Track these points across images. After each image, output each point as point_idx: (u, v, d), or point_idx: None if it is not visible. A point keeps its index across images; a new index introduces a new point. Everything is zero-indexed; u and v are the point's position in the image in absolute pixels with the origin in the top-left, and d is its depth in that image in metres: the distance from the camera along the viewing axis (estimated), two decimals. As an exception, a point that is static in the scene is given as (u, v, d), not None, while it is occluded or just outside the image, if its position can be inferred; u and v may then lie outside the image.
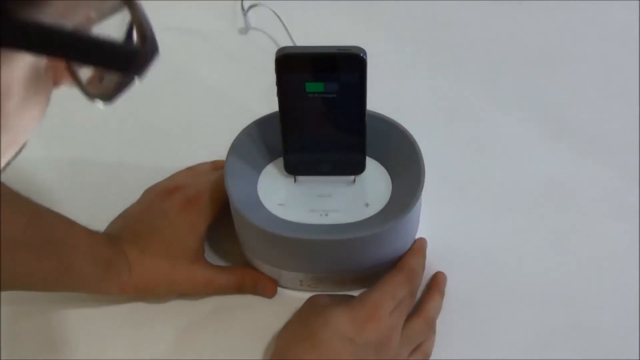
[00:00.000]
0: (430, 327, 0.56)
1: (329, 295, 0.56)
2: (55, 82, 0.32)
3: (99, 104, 0.32)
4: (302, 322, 0.52)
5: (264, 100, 0.57)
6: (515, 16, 0.80)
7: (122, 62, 0.29)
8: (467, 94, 0.74)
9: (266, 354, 0.57)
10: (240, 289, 0.60)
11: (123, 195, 0.65)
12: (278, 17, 0.76)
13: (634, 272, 0.61)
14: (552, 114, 0.72)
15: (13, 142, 0.31)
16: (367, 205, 0.54)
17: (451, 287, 0.60)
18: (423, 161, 0.54)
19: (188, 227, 0.58)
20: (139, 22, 0.30)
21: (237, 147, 0.56)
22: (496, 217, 0.65)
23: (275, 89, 0.51)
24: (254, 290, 0.60)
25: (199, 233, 0.58)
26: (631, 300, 0.60)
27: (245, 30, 0.79)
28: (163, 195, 0.59)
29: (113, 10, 0.30)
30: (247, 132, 0.57)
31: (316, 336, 0.50)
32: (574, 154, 0.69)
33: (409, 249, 0.58)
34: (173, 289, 0.59)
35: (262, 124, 0.57)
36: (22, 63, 0.28)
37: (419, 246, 0.58)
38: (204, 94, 0.75)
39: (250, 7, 0.77)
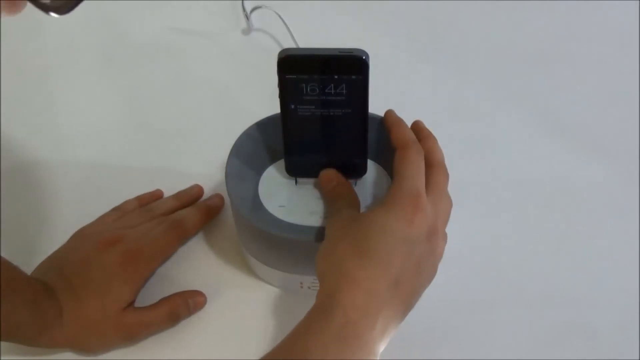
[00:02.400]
0: (444, 169, 0.51)
1: (349, 207, 0.51)
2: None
3: (54, 14, 0.32)
4: (345, 237, 0.46)
5: (266, 101, 0.56)
6: (516, 16, 0.80)
7: None
8: (468, 94, 0.74)
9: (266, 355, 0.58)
10: (175, 316, 0.59)
11: (124, 196, 0.66)
12: (281, 18, 0.76)
13: (634, 272, 0.61)
14: (553, 114, 0.72)
15: None
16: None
17: (451, 287, 0.60)
18: None
19: (126, 281, 0.57)
20: None
21: (239, 148, 0.56)
22: (496, 217, 0.65)
23: (277, 90, 0.51)
24: (188, 309, 0.59)
25: (136, 287, 0.57)
26: (631, 300, 0.60)
27: (247, 31, 0.79)
28: (101, 248, 0.57)
29: None
30: (248, 134, 0.57)
31: (367, 246, 0.45)
32: (574, 153, 0.69)
33: (393, 125, 0.52)
34: (104, 340, 0.57)
35: (263, 125, 0.57)
36: None
37: (396, 118, 0.53)
38: (205, 95, 0.75)
39: (254, 9, 0.77)
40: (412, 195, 0.46)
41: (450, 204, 0.51)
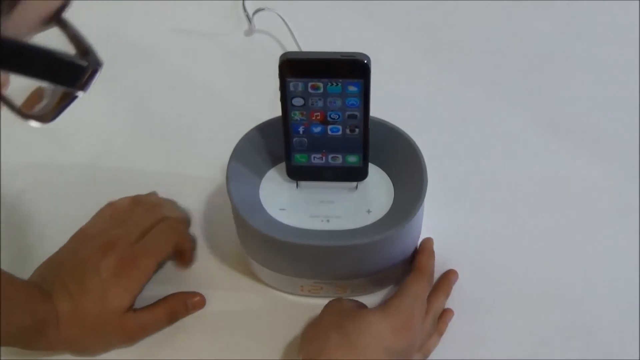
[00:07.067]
0: (434, 325, 0.57)
1: (351, 299, 0.56)
2: None
3: (34, 124, 0.31)
4: (338, 327, 0.52)
5: (267, 104, 0.56)
6: (516, 16, 0.80)
7: (70, 77, 0.28)
8: (469, 95, 0.74)
9: (266, 355, 0.58)
10: (174, 317, 0.59)
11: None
12: (283, 20, 0.75)
13: (634, 272, 0.61)
14: (553, 115, 0.72)
15: None
16: (369, 211, 0.55)
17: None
18: (426, 168, 0.54)
19: (122, 288, 0.57)
20: (76, 37, 0.29)
21: (240, 151, 0.56)
22: (497, 218, 0.65)
23: (278, 93, 0.51)
24: (186, 309, 0.60)
25: (133, 293, 0.57)
26: (631, 300, 0.60)
27: (249, 33, 0.79)
28: (97, 254, 0.57)
29: (39, 29, 0.29)
30: (249, 137, 0.57)
31: (355, 342, 0.51)
32: (575, 154, 0.69)
33: (423, 251, 0.59)
34: (103, 342, 0.58)
35: (264, 128, 0.57)
36: None
37: (430, 247, 0.60)
38: (207, 97, 0.75)
39: (256, 11, 0.77)
40: (408, 314, 0.53)
41: (432, 332, 0.58)
